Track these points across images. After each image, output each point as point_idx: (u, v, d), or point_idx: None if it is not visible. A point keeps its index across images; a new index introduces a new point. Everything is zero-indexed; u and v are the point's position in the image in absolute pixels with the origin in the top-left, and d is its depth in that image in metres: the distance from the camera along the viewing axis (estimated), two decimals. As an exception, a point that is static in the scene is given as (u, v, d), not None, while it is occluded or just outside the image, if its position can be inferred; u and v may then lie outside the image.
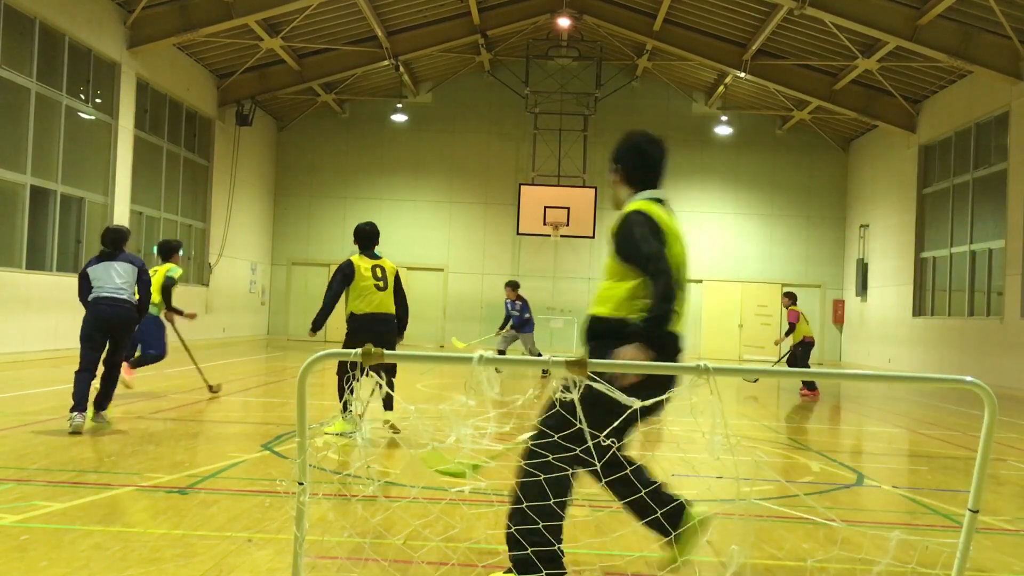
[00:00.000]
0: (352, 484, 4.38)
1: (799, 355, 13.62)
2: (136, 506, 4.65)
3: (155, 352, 9.69)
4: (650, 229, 3.50)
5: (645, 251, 3.43)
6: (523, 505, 3.39)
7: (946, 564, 3.23)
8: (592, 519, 4.61)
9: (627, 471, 3.51)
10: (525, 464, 3.45)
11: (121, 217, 16.90)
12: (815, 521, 4.79)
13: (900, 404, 12.86)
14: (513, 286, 15.60)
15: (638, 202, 3.65)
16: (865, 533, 4.53)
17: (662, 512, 3.46)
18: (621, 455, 3.53)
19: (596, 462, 3.32)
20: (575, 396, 3.05)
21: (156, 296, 9.95)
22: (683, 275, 3.56)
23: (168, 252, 10.58)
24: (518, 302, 15.79)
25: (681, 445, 7.51)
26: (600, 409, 3.11)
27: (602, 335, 3.55)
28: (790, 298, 14.27)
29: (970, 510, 2.78)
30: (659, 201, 3.67)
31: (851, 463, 7.18)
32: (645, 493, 3.46)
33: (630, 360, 3.31)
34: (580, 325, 3.84)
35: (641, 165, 3.75)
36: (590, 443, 3.30)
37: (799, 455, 7.47)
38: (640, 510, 3.55)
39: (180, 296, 19.65)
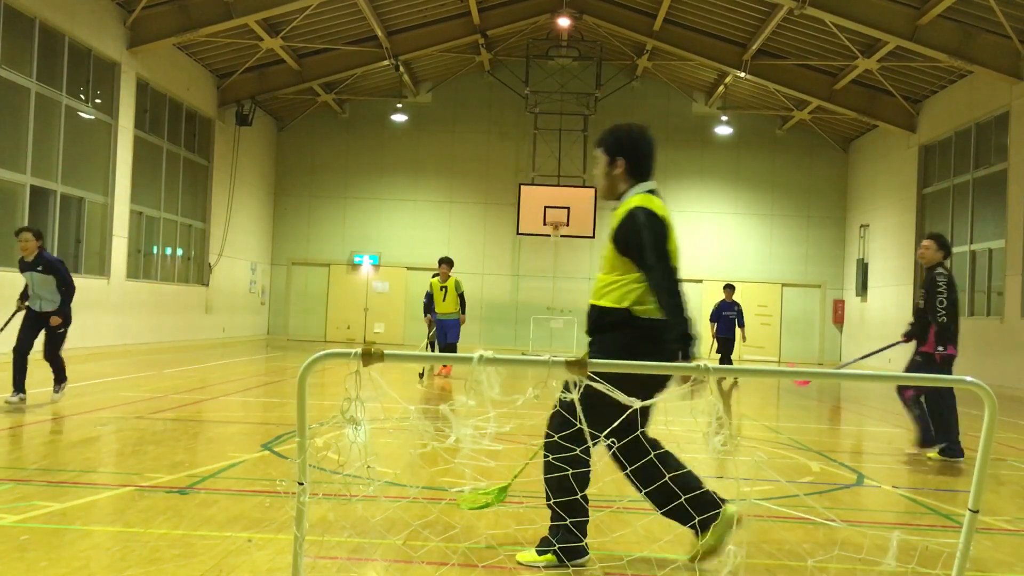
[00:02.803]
0: (352, 484, 4.38)
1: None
2: (136, 506, 4.65)
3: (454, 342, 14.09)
4: (658, 231, 3.68)
5: (651, 260, 3.63)
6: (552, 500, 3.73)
7: (946, 564, 3.23)
8: (592, 519, 4.60)
9: (650, 457, 3.69)
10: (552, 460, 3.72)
11: (121, 217, 16.91)
12: (815, 521, 4.79)
13: (900, 404, 12.82)
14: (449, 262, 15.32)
15: (641, 196, 3.80)
16: (865, 533, 4.53)
17: (689, 500, 3.60)
18: (646, 440, 3.73)
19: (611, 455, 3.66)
20: (575, 396, 3.08)
21: (455, 305, 14.09)
22: (678, 263, 3.79)
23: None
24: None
25: (681, 445, 7.50)
26: (604, 403, 3.17)
27: (608, 327, 3.76)
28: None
29: (970, 510, 2.78)
30: (654, 192, 3.87)
31: (851, 463, 7.18)
32: (670, 479, 3.63)
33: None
34: (584, 316, 4.02)
35: (641, 158, 3.91)
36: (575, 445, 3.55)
37: (799, 455, 7.47)
38: (662, 500, 3.70)
39: (180, 296, 19.70)
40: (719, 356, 16.14)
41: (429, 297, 15.03)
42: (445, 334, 14.17)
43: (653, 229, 3.66)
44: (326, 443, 6.11)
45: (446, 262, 14.34)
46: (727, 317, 16.06)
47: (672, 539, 4.28)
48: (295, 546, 2.85)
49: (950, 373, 7.29)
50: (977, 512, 2.78)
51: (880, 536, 4.41)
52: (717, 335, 16.00)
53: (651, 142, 3.98)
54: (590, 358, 3.69)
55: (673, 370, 3.55)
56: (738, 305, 16.18)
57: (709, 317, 16.51)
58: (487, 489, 4.16)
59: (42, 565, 3.59)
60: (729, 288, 16.42)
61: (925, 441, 7.47)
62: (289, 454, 6.33)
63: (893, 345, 8.32)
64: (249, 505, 4.77)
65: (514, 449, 6.68)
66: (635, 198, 3.79)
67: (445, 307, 14.14)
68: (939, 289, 7.27)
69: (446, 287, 14.14)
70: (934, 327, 7.29)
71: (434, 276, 16.50)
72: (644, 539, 4.29)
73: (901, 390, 7.64)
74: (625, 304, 3.71)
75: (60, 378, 8.70)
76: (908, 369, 7.49)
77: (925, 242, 7.59)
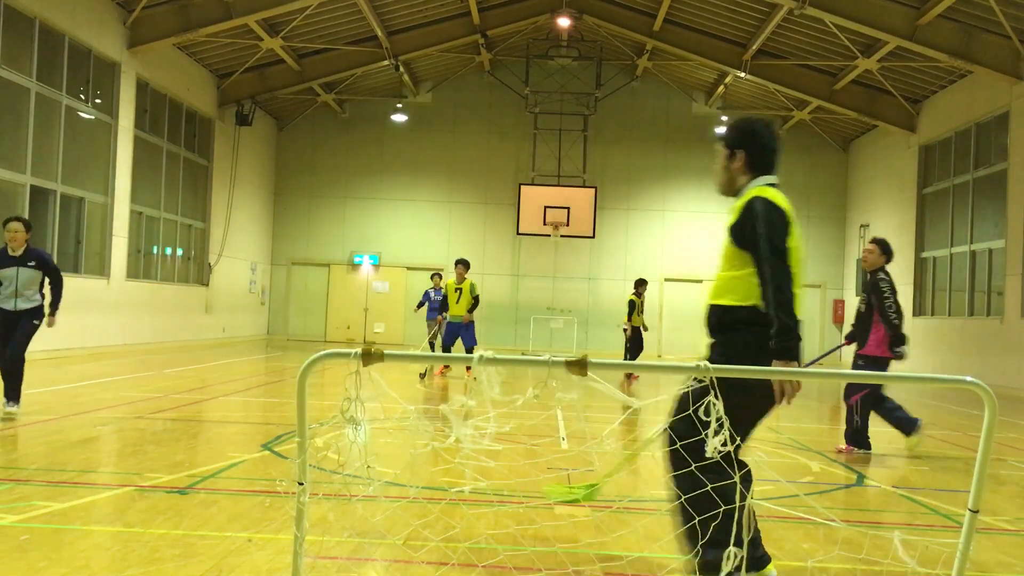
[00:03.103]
0: (352, 484, 4.38)
1: None
2: (136, 506, 4.65)
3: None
4: (776, 223, 3.47)
5: (764, 251, 3.41)
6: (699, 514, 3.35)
7: (946, 564, 3.23)
8: (592, 519, 4.60)
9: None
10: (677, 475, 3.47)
11: (121, 217, 16.91)
12: (815, 521, 4.79)
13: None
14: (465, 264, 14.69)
15: (761, 188, 3.61)
16: (865, 533, 4.52)
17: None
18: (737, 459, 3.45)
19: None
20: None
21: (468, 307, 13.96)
22: (798, 266, 3.54)
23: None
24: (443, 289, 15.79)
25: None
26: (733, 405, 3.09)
27: (731, 327, 3.54)
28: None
29: (970, 510, 2.78)
30: (776, 186, 3.67)
31: (851, 463, 7.18)
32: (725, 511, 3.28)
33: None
34: (703, 316, 3.71)
35: (762, 151, 3.72)
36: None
37: (799, 455, 7.47)
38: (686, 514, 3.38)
39: (180, 296, 19.70)
40: None
41: (440, 298, 15.05)
42: (457, 336, 14.00)
43: (771, 219, 3.46)
44: (326, 443, 6.12)
45: (463, 263, 14.23)
46: None
47: (672, 539, 4.28)
48: (295, 546, 2.85)
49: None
50: (977, 512, 2.77)
51: (880, 536, 4.41)
52: None
53: (774, 135, 3.77)
54: (711, 361, 3.45)
55: (673, 370, 3.54)
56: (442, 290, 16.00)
57: None
58: (577, 484, 4.16)
59: (42, 565, 3.59)
60: None
61: (854, 443, 7.75)
62: (289, 454, 6.33)
63: (839, 347, 8.57)
64: (249, 505, 4.77)
65: (514, 449, 6.69)
66: (755, 189, 3.61)
67: (459, 309, 14.02)
68: (885, 294, 7.54)
69: (461, 288, 14.01)
70: (885, 329, 7.47)
71: (433, 275, 16.57)
72: (644, 539, 4.29)
73: (848, 394, 7.84)
74: (750, 301, 3.47)
75: (16, 392, 7.68)
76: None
77: (869, 246, 7.85)
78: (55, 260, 14.40)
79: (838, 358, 24.48)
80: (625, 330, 15.75)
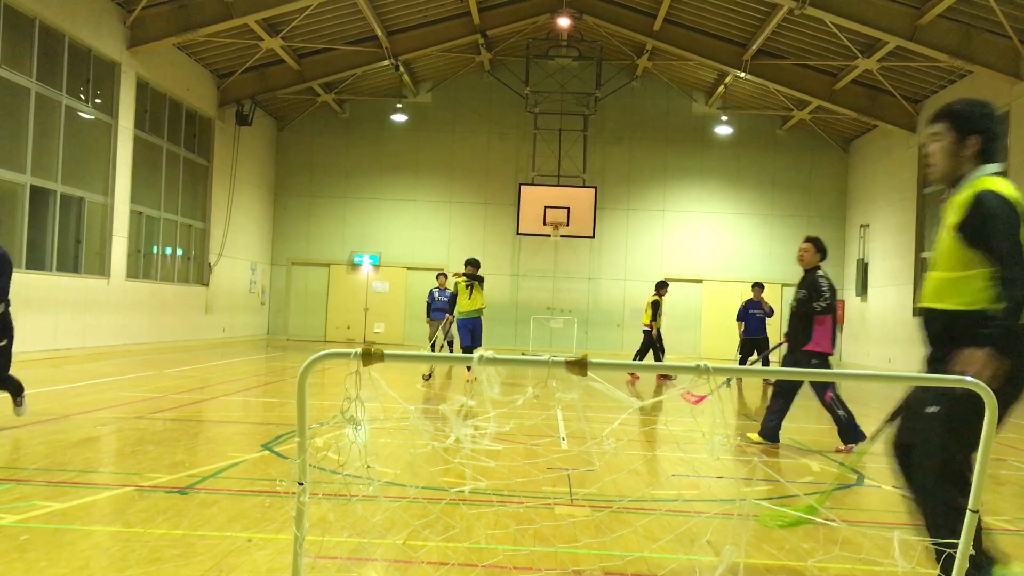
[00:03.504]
0: (352, 484, 4.38)
1: None
2: (136, 506, 4.65)
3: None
4: (1010, 218, 3.18)
5: (1005, 246, 3.13)
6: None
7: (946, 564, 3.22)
8: (592, 519, 4.60)
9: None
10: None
11: (121, 217, 16.91)
12: (815, 521, 4.78)
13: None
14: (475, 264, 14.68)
15: (988, 179, 3.32)
16: (865, 533, 4.52)
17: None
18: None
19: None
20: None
21: (483, 302, 14.05)
22: None
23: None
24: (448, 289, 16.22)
25: (681, 445, 7.51)
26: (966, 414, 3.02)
27: (960, 334, 3.20)
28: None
29: (970, 510, 2.78)
30: (1002, 175, 3.37)
31: (851, 463, 7.18)
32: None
33: (980, 364, 3.05)
34: (921, 322, 3.42)
35: (996, 138, 3.41)
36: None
37: (799, 455, 7.47)
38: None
39: (180, 296, 19.69)
40: (739, 357, 16.05)
41: (445, 298, 15.06)
42: (470, 335, 14.04)
43: (1006, 216, 3.16)
44: (326, 443, 6.12)
45: (472, 263, 14.30)
46: (755, 316, 15.80)
47: (672, 539, 4.28)
48: (295, 546, 2.85)
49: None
50: (977, 512, 2.77)
51: (880, 536, 4.41)
52: (745, 335, 15.86)
53: (1000, 120, 3.47)
54: (939, 373, 3.24)
55: (670, 370, 3.54)
56: (766, 304, 15.83)
57: (736, 316, 16.46)
58: (795, 506, 4.12)
59: (42, 565, 3.59)
60: (757, 287, 16.10)
61: (851, 438, 7.78)
62: (289, 454, 6.33)
63: (780, 344, 8.68)
64: (249, 505, 4.77)
65: (514, 449, 6.69)
66: (982, 180, 3.30)
67: (471, 304, 14.07)
68: (823, 291, 7.75)
69: (472, 285, 14.11)
70: (829, 324, 7.73)
71: (439, 275, 16.71)
72: (644, 539, 4.29)
73: (821, 393, 7.88)
74: (979, 305, 3.17)
75: (17, 391, 7.29)
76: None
77: (804, 244, 7.98)
78: (56, 260, 14.48)
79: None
80: (648, 331, 15.74)
